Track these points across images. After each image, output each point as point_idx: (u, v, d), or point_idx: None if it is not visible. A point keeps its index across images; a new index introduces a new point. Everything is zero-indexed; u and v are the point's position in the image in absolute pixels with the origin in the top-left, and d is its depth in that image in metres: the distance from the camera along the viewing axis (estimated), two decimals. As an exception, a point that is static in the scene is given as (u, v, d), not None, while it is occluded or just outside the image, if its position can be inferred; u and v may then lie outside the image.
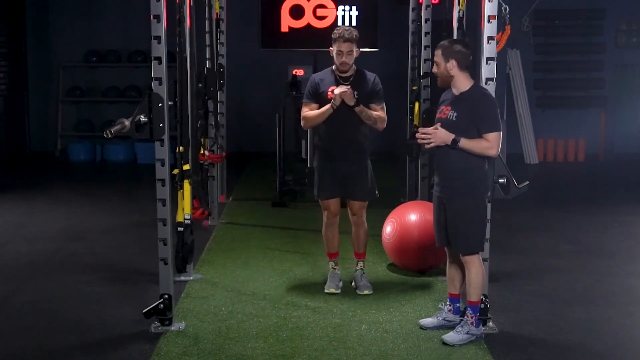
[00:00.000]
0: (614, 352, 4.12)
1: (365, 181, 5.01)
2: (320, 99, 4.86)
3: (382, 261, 5.79)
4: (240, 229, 6.96)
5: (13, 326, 4.48)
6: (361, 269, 5.15)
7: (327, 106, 4.79)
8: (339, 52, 4.78)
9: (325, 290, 5.01)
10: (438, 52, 4.17)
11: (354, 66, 4.89)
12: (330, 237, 5.15)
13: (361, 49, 4.94)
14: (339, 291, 5.01)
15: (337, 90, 4.72)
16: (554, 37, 12.10)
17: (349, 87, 4.74)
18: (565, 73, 12.07)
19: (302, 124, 5.00)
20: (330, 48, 4.85)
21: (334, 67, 4.90)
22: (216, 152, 6.96)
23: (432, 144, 4.15)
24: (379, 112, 4.87)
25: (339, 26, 4.84)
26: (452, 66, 4.12)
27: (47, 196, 8.62)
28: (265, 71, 11.46)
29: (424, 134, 4.17)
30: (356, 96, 4.74)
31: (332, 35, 4.82)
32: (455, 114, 4.13)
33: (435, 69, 4.22)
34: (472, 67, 4.21)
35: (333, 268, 5.15)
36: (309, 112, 4.88)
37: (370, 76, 4.93)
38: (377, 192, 5.12)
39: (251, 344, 4.12)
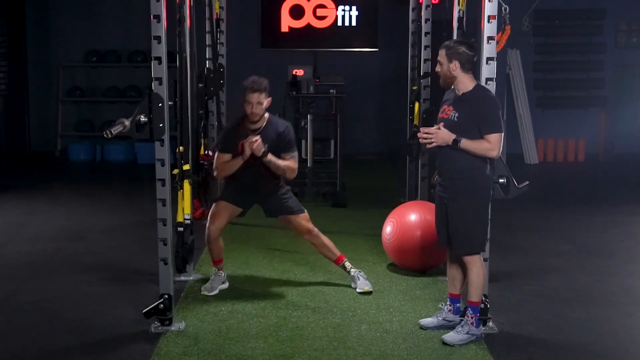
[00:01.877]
0: (614, 352, 4.12)
1: (288, 196, 5.06)
2: (232, 149, 4.89)
3: (382, 261, 5.79)
4: (240, 229, 6.96)
5: (13, 326, 4.48)
6: (352, 268, 5.15)
7: (238, 158, 4.84)
8: (248, 103, 4.81)
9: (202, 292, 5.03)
10: (442, 52, 4.17)
11: (265, 115, 4.92)
12: (212, 248, 5.11)
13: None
14: (213, 293, 5.00)
15: (247, 141, 4.76)
16: (554, 37, 12.09)
17: (258, 137, 4.76)
18: (565, 73, 12.07)
19: (214, 173, 5.02)
20: (240, 99, 4.88)
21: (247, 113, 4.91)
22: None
23: (433, 144, 4.15)
24: (287, 162, 4.89)
25: (248, 77, 4.86)
26: (454, 67, 4.12)
27: (47, 196, 8.62)
28: (265, 71, 11.41)
29: (425, 133, 4.17)
30: (265, 147, 4.77)
31: (242, 85, 4.86)
32: (457, 114, 4.13)
33: (438, 69, 4.22)
34: (475, 68, 4.22)
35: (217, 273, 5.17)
36: (222, 163, 4.92)
37: (282, 126, 4.95)
38: (302, 207, 5.13)
39: (251, 344, 4.12)
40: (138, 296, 4.90)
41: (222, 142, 4.98)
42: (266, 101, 4.85)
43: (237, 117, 5.01)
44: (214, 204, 5.07)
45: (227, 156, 4.91)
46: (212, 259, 5.16)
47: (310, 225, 5.09)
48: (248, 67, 11.39)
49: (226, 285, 5.14)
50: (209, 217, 5.03)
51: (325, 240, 5.15)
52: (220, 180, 5.08)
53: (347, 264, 5.16)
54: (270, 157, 4.80)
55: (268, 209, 5.12)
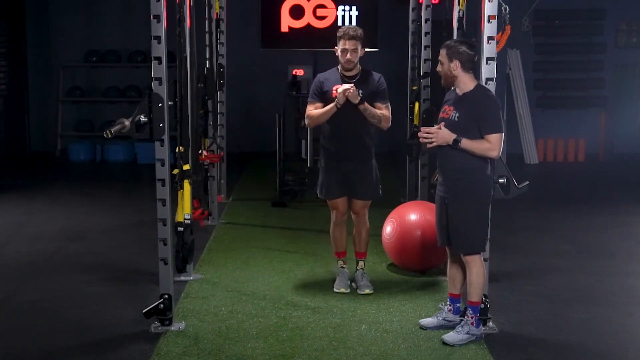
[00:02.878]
0: (614, 352, 4.12)
1: (369, 180, 5.02)
2: (324, 97, 4.87)
3: (382, 261, 5.79)
4: (240, 229, 6.96)
5: (13, 326, 4.48)
6: (362, 268, 5.15)
7: (331, 105, 4.79)
8: (344, 50, 4.79)
9: (335, 290, 5.03)
10: (443, 52, 4.17)
11: (358, 65, 4.90)
12: (338, 236, 5.16)
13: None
14: (348, 290, 5.02)
15: (341, 89, 4.72)
16: (554, 37, 12.09)
17: (352, 85, 4.74)
18: (565, 73, 12.06)
19: (306, 123, 5.02)
20: (335, 47, 4.86)
21: (339, 66, 4.91)
22: (215, 152, 6.96)
23: (433, 144, 4.15)
24: (383, 111, 4.87)
25: (343, 25, 4.85)
26: (455, 67, 4.12)
27: (47, 196, 8.62)
28: (265, 71, 11.45)
29: (426, 133, 4.17)
30: (361, 94, 4.74)
31: (337, 33, 4.84)
32: (457, 114, 4.14)
33: (439, 68, 4.22)
34: (476, 68, 4.22)
35: (342, 267, 5.16)
36: (313, 110, 4.89)
37: (376, 76, 4.93)
38: (380, 191, 5.11)
39: (251, 344, 4.12)
40: (138, 296, 4.90)
41: (314, 90, 4.91)
42: (361, 50, 4.82)
43: (330, 69, 4.97)
44: (328, 201, 5.08)
45: (319, 105, 4.86)
46: (335, 251, 5.18)
47: (364, 211, 5.08)
48: (248, 67, 11.47)
49: (349, 281, 5.13)
50: (330, 208, 5.08)
51: (365, 231, 5.13)
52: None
53: (361, 263, 5.17)
54: (366, 104, 4.75)
55: (356, 194, 5.01)
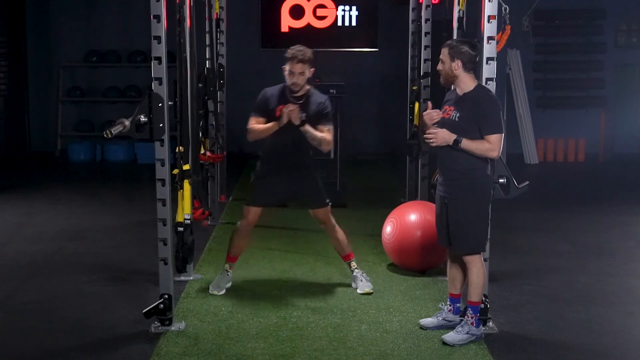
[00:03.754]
0: (614, 352, 4.13)
1: (316, 187, 5.03)
2: (268, 114, 4.87)
3: (382, 261, 5.79)
4: (240, 229, 6.96)
5: (13, 326, 4.48)
6: (355, 268, 5.15)
7: (274, 123, 4.81)
8: (291, 73, 4.78)
9: (210, 291, 5.01)
10: (445, 51, 4.16)
11: (306, 86, 4.89)
12: (236, 242, 5.12)
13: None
14: (221, 293, 4.99)
15: (285, 109, 4.74)
16: (554, 37, 12.09)
17: (297, 106, 4.74)
18: (565, 73, 12.07)
19: (247, 136, 4.98)
20: (284, 66, 4.85)
21: (286, 84, 4.89)
22: (216, 152, 6.95)
23: (433, 144, 4.16)
24: (324, 134, 4.86)
25: (292, 46, 4.83)
26: (457, 66, 4.12)
27: (47, 196, 8.62)
28: (265, 71, 11.44)
29: (427, 114, 4.18)
30: (303, 117, 4.74)
31: (286, 54, 4.83)
32: (458, 115, 4.14)
33: (440, 67, 4.21)
34: (476, 68, 4.22)
35: (227, 270, 5.14)
36: (256, 125, 4.89)
37: (321, 97, 4.93)
38: (328, 200, 5.09)
39: (251, 344, 4.12)
40: (138, 296, 4.90)
41: (259, 105, 4.92)
42: (309, 72, 4.82)
43: (278, 85, 4.97)
44: (245, 207, 5.07)
45: (261, 120, 4.88)
46: (228, 254, 5.14)
47: (329, 217, 5.08)
48: (248, 67, 11.47)
49: (229, 284, 5.15)
50: (242, 214, 5.06)
51: (340, 235, 5.14)
52: (251, 178, 5.07)
53: (353, 264, 5.17)
54: (307, 127, 4.76)
55: (299, 200, 5.06)
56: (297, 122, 4.71)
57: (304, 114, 4.74)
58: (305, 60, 4.77)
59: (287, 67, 4.80)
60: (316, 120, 4.83)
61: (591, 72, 12.05)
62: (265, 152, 5.03)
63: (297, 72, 4.76)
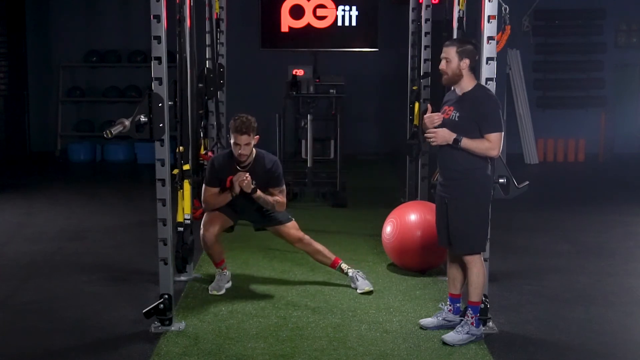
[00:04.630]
0: (614, 352, 4.12)
1: (269, 210, 5.04)
2: (220, 183, 4.92)
3: (382, 261, 5.79)
4: (240, 229, 6.94)
5: (13, 326, 4.48)
6: (349, 269, 5.14)
7: (227, 193, 4.87)
8: (236, 144, 4.80)
9: (209, 292, 5.01)
10: (451, 50, 4.12)
11: (253, 151, 4.92)
12: (211, 252, 5.08)
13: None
14: (221, 292, 5.00)
15: (235, 178, 4.78)
16: (554, 37, 12.10)
17: (247, 175, 4.78)
18: (565, 73, 12.07)
19: (203, 206, 5.03)
20: (229, 137, 4.88)
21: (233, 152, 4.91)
22: (216, 153, 6.95)
23: (434, 143, 4.15)
24: (277, 197, 4.91)
25: (236, 117, 4.83)
26: (464, 65, 4.11)
27: (47, 196, 8.62)
28: (265, 71, 11.46)
29: (428, 118, 4.18)
30: (254, 184, 4.78)
31: (229, 125, 4.85)
32: (458, 114, 4.13)
33: (444, 66, 4.15)
34: (476, 68, 4.22)
35: (221, 270, 5.14)
36: (210, 196, 4.94)
37: (269, 162, 4.96)
38: (290, 216, 5.14)
39: (251, 344, 4.12)
40: (138, 296, 4.90)
41: (210, 176, 4.97)
42: (254, 140, 4.85)
43: (225, 152, 5.03)
44: (205, 214, 5.07)
45: (215, 190, 4.94)
46: (213, 262, 5.16)
47: (301, 234, 5.10)
48: (248, 67, 11.47)
49: (230, 283, 5.15)
50: (202, 225, 5.03)
51: (318, 246, 5.15)
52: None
53: (344, 266, 5.16)
54: (259, 193, 4.83)
55: (255, 221, 5.15)
56: (248, 190, 4.77)
57: (254, 181, 4.79)
58: (250, 131, 4.79)
59: (232, 139, 4.82)
60: (267, 184, 4.89)
61: (591, 72, 12.05)
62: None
63: (242, 143, 4.79)
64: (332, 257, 5.17)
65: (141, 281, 5.27)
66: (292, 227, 5.09)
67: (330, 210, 7.88)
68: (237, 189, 4.80)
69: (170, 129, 4.26)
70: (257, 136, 4.88)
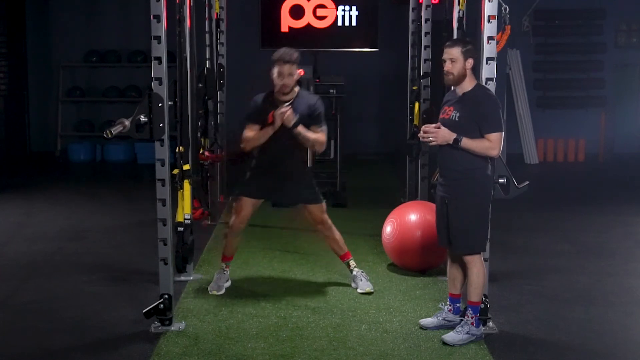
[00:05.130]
0: (614, 352, 4.12)
1: (310, 184, 5.02)
2: (261, 120, 4.86)
3: (382, 261, 5.79)
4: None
5: (13, 326, 4.48)
6: (355, 267, 5.15)
7: (268, 127, 4.80)
8: (279, 74, 4.76)
9: (209, 291, 4.99)
10: (455, 50, 4.11)
11: (295, 88, 4.88)
12: (231, 242, 5.11)
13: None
14: (221, 292, 4.98)
15: (277, 112, 4.73)
16: (554, 37, 12.10)
17: (289, 108, 4.74)
18: (565, 73, 12.07)
19: (242, 145, 4.97)
20: (270, 70, 4.84)
21: (275, 89, 4.87)
22: (216, 152, 6.96)
23: (433, 143, 4.15)
24: (317, 135, 4.86)
25: (280, 48, 4.82)
26: (469, 65, 4.11)
27: (47, 196, 8.62)
28: (265, 71, 11.45)
29: (425, 132, 4.17)
30: (296, 119, 4.74)
31: (273, 57, 4.81)
32: (458, 114, 4.13)
33: (448, 67, 4.13)
34: (476, 68, 4.22)
35: (224, 269, 5.13)
36: (250, 133, 4.88)
37: (312, 99, 4.92)
38: (323, 199, 5.09)
39: (251, 344, 4.12)
40: (138, 296, 4.90)
41: (251, 113, 4.91)
42: (297, 73, 4.80)
43: (266, 91, 4.95)
44: (235, 201, 5.02)
45: (256, 127, 4.86)
46: (223, 254, 5.12)
47: (325, 217, 5.06)
48: (248, 67, 11.45)
49: (229, 283, 5.15)
50: (233, 211, 5.01)
51: (336, 234, 5.13)
52: (245, 171, 5.02)
53: (352, 263, 5.16)
54: (300, 128, 4.75)
55: (290, 198, 5.04)
56: (290, 124, 4.71)
57: (297, 115, 4.74)
58: (293, 61, 4.76)
59: (275, 70, 4.79)
60: (308, 121, 4.82)
61: (591, 72, 12.06)
62: (259, 153, 5.00)
63: (285, 73, 4.75)
64: (345, 249, 5.16)
65: (141, 281, 5.27)
66: (319, 208, 5.03)
67: (330, 210, 7.76)
68: (278, 123, 4.71)
69: (170, 129, 4.26)
70: (301, 70, 4.82)
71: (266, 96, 4.94)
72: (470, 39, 4.46)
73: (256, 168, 5.02)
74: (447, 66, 4.15)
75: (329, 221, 5.09)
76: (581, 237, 6.76)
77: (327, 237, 5.14)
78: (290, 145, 4.86)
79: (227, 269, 5.15)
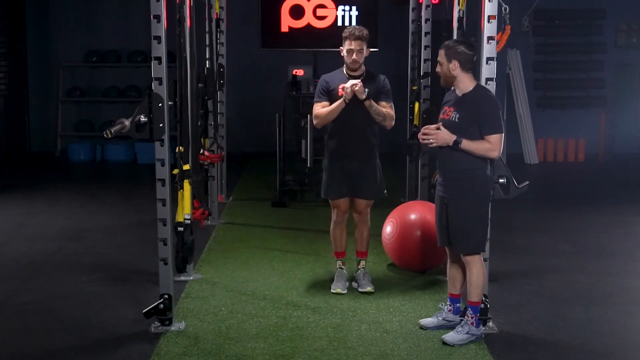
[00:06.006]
0: (614, 352, 4.12)
1: (373, 180, 5.03)
2: (330, 96, 4.90)
3: (382, 261, 5.79)
4: (240, 229, 6.96)
5: (13, 326, 4.48)
6: (363, 267, 5.15)
7: (339, 101, 4.82)
8: (350, 50, 4.81)
9: (332, 290, 5.01)
10: (441, 52, 4.17)
11: (363, 66, 4.91)
12: (338, 236, 5.17)
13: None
14: (345, 291, 5.01)
15: (349, 84, 4.75)
16: (554, 37, 12.09)
17: (359, 81, 4.77)
18: (565, 73, 12.07)
19: (314, 122, 5.02)
20: (340, 47, 4.88)
21: (343, 67, 4.94)
22: (216, 152, 6.96)
23: (433, 144, 4.15)
24: (387, 110, 4.89)
25: (348, 25, 4.86)
26: (454, 67, 4.12)
27: (47, 196, 8.62)
28: (265, 71, 11.46)
29: (425, 134, 4.17)
30: (366, 91, 4.76)
31: (343, 34, 4.86)
32: (457, 115, 4.13)
33: (438, 69, 4.22)
34: (476, 68, 4.22)
35: (340, 267, 5.15)
36: (321, 109, 4.90)
37: (380, 76, 4.97)
38: (385, 191, 5.11)
39: (251, 344, 4.12)
40: (138, 296, 4.90)
41: (320, 90, 4.94)
42: (366, 50, 4.84)
43: (333, 72, 5.00)
44: (333, 212, 5.09)
45: (326, 104, 4.89)
46: (334, 251, 5.16)
47: (367, 211, 5.09)
48: (248, 67, 11.47)
49: (348, 282, 5.13)
50: (331, 207, 5.07)
51: (367, 232, 5.14)
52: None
53: (363, 263, 5.17)
54: (371, 102, 4.78)
55: (360, 191, 5.00)
56: (362, 96, 4.73)
57: (367, 89, 4.76)
58: (363, 38, 4.80)
59: (344, 46, 4.82)
60: (378, 96, 4.86)
61: (591, 72, 12.05)
62: (330, 136, 5.01)
63: (356, 49, 4.78)
64: (365, 249, 5.18)
65: (141, 281, 5.27)
66: (368, 202, 5.06)
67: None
68: (350, 95, 4.73)
69: (170, 129, 4.26)
70: (369, 49, 4.87)
71: (335, 74, 4.98)
72: (472, 39, 4.45)
73: (330, 163, 5.03)
74: (437, 68, 4.23)
75: (368, 216, 5.11)
76: (581, 237, 6.76)
77: (359, 229, 5.15)
78: (360, 126, 4.88)
79: (344, 266, 5.15)
